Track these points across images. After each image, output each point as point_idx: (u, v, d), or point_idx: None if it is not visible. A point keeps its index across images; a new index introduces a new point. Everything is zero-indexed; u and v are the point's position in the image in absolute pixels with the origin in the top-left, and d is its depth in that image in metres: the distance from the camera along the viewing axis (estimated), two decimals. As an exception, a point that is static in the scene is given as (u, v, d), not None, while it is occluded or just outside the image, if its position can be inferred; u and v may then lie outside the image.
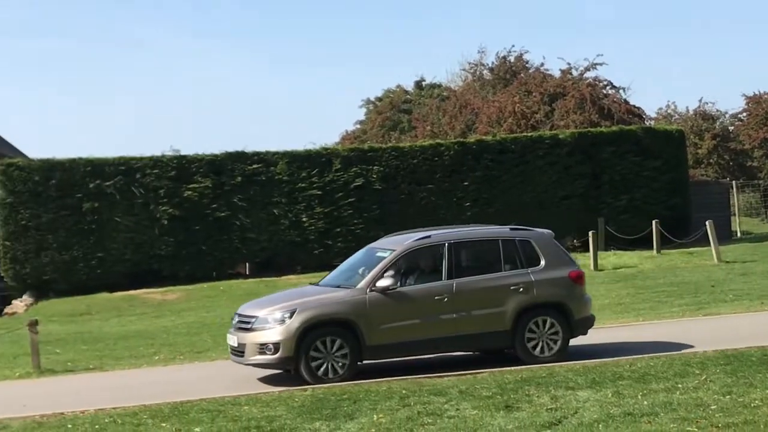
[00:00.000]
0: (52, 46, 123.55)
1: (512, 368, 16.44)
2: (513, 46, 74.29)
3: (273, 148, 39.42)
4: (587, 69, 57.35)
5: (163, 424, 13.67)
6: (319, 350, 16.78)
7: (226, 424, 13.31)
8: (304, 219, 38.57)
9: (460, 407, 13.49)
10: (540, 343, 17.60)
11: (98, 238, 37.32)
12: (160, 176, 37.88)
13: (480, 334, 17.59)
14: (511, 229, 19.03)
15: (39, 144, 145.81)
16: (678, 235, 38.17)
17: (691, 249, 37.33)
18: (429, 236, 18.11)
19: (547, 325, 17.74)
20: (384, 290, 17.21)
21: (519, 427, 12.40)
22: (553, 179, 39.96)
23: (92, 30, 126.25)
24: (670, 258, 35.64)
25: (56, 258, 37.08)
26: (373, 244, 19.52)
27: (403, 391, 14.79)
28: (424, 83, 75.77)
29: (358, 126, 77.29)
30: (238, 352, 17.40)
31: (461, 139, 44.07)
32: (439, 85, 73.97)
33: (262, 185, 38.55)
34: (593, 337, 18.92)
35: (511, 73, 62.19)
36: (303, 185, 38.68)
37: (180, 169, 38.19)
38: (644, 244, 37.47)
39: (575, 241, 40.11)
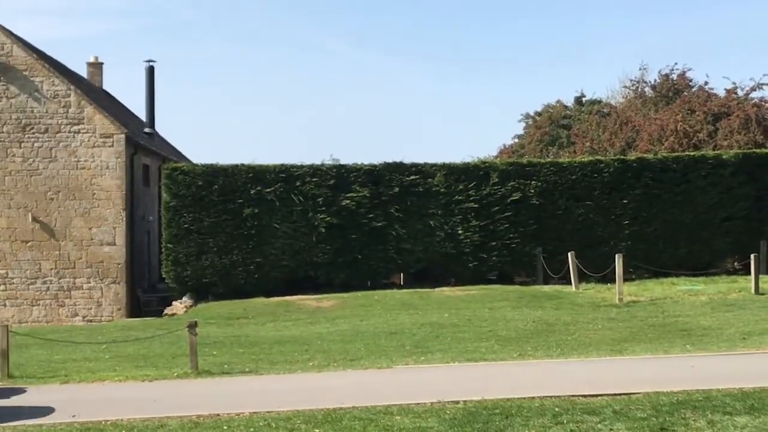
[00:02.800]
0: (221, 51, 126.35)
1: (668, 390, 16.09)
2: (676, 63, 73.20)
3: (431, 160, 39.60)
4: (753, 89, 56.29)
5: (316, 430, 13.77)
6: None
7: (376, 433, 13.36)
8: (460, 231, 38.58)
9: (613, 427, 13.26)
10: None
11: (257, 243, 38.02)
12: (319, 184, 38.37)
13: None
14: None
15: (203, 148, 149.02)
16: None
17: None
18: None
19: None
20: None
21: (674, 450, 12.15)
22: (714, 200, 39.17)
23: (262, 36, 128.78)
24: (834, 284, 34.51)
25: (216, 262, 37.89)
26: None
27: (556, 409, 14.62)
28: (584, 99, 75.16)
29: (516, 140, 77.11)
30: None
31: (621, 156, 43.55)
32: (599, 101, 73.31)
33: (418, 196, 38.72)
34: (748, 361, 18.36)
35: (673, 91, 61.38)
36: (460, 198, 38.70)
37: (339, 178, 38.63)
38: (808, 269, 36.50)
39: (736, 263, 39.26)
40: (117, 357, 24.32)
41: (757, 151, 42.55)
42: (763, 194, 39.54)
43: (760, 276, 33.20)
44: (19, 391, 18.56)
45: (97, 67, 54.58)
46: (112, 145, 42.33)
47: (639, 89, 65.97)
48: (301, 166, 38.89)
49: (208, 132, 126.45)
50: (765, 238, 38.10)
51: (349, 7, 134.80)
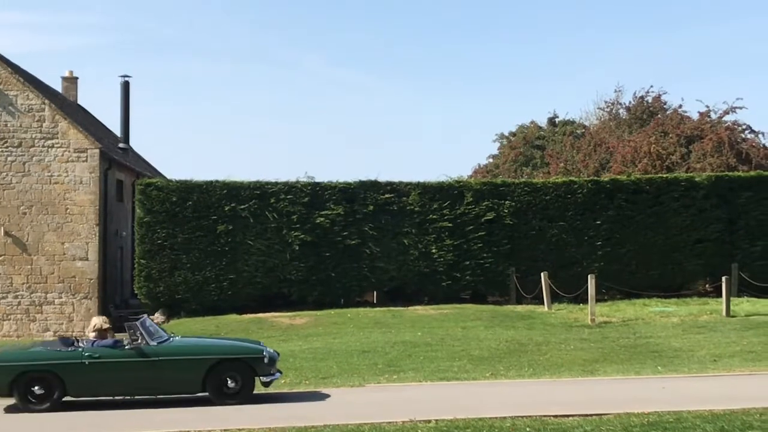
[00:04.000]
0: (197, 67, 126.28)
1: (639, 411, 16.14)
2: (651, 86, 73.60)
3: (405, 179, 39.57)
4: (726, 112, 56.61)
5: (288, 448, 13.79)
6: None
7: (349, 451, 13.35)
8: (434, 250, 38.60)
9: (584, 448, 13.33)
10: None
11: (230, 260, 37.92)
12: (294, 202, 38.31)
13: None
14: None
15: (178, 164, 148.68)
16: (815, 284, 37.23)
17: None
18: None
19: None
20: None
21: (644, 471, 12.19)
22: (687, 222, 39.32)
23: (239, 53, 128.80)
24: (806, 307, 34.67)
25: (189, 278, 37.75)
26: None
27: (528, 429, 14.66)
28: (557, 120, 75.35)
29: (491, 160, 77.20)
30: None
31: (595, 178, 43.69)
32: (573, 122, 73.50)
33: (393, 215, 38.73)
34: (719, 383, 18.45)
35: (648, 113, 61.62)
36: (434, 216, 38.73)
37: (313, 195, 38.59)
38: (779, 292, 36.69)
39: (707, 285, 39.41)
40: (88, 372, 24.17)
41: (730, 174, 42.63)
42: (735, 217, 39.71)
43: (732, 298, 33.37)
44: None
45: (72, 81, 54.45)
46: (86, 160, 42.18)
47: (614, 111, 66.21)
48: (276, 183, 38.82)
49: (183, 148, 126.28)
50: (736, 261, 38.28)
51: (326, 24, 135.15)
